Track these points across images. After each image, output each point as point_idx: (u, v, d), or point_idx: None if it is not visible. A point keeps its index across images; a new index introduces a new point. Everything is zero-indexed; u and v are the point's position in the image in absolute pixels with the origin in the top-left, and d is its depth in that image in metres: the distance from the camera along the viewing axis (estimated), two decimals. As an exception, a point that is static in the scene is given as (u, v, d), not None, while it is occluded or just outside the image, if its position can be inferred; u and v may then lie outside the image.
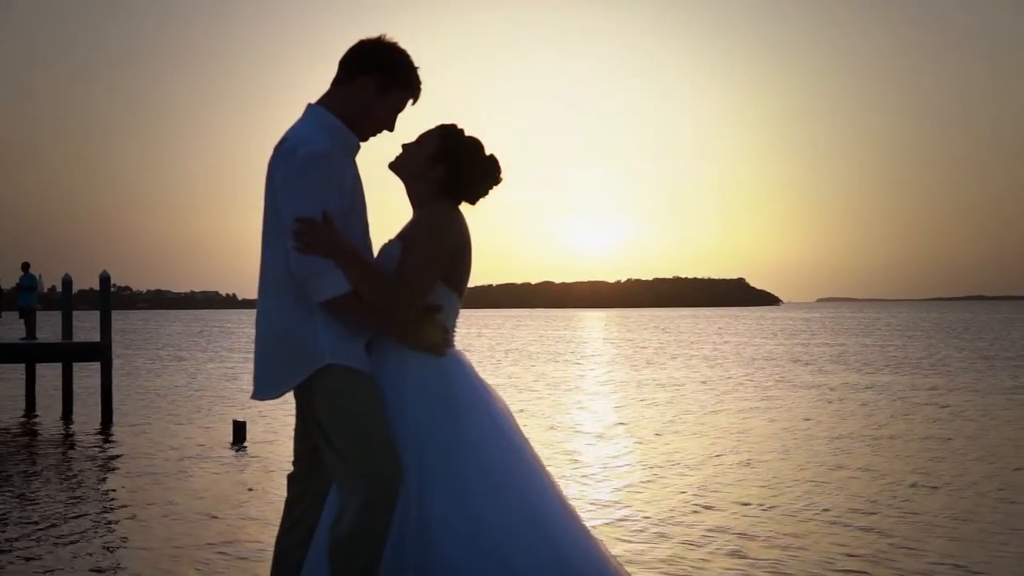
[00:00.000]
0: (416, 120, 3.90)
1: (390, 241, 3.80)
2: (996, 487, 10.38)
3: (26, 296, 24.62)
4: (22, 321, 24.48)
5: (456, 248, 3.75)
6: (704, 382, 25.08)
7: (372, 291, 3.57)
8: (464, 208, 3.86)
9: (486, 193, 3.90)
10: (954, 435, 14.54)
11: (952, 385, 23.46)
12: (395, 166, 3.86)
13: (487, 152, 3.88)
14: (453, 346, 3.80)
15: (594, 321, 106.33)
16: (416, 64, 3.80)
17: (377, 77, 3.73)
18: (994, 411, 17.68)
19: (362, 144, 3.80)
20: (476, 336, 60.40)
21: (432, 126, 3.86)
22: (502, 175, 3.91)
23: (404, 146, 3.86)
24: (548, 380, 26.41)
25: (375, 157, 3.91)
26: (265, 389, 3.71)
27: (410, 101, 3.83)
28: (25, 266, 25.03)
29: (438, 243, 3.68)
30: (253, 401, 4.14)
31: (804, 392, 22.04)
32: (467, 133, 3.86)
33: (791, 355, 36.90)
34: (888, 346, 42.48)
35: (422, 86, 3.82)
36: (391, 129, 3.83)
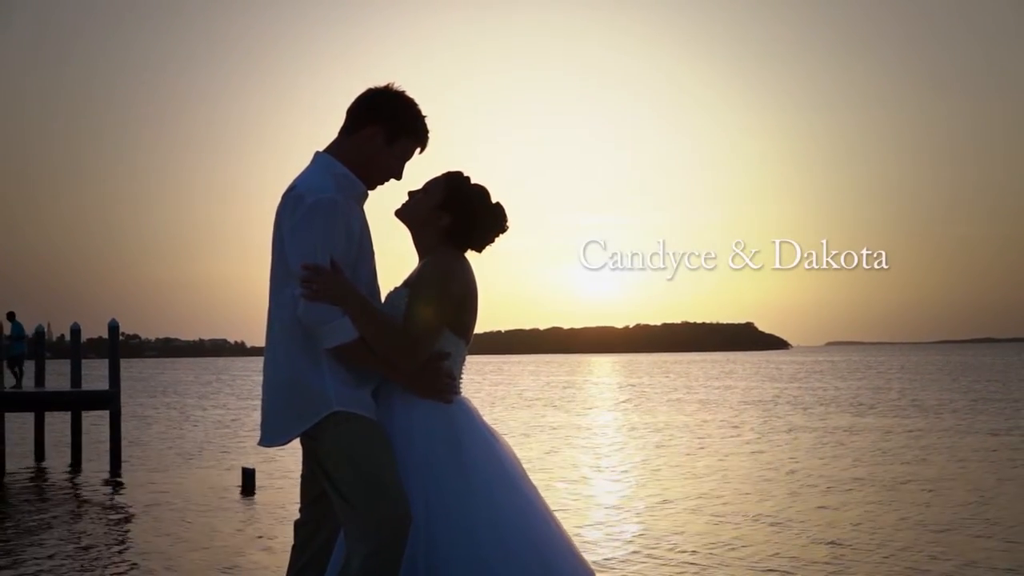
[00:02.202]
0: (420, 162, 3.93)
1: (396, 288, 3.81)
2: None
3: (18, 345, 24.63)
4: (12, 371, 24.55)
5: (462, 295, 3.75)
6: (700, 425, 25.04)
7: (379, 339, 3.57)
8: (470, 254, 3.88)
9: (492, 241, 3.92)
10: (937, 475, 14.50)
11: (940, 426, 23.47)
12: (401, 214, 3.89)
13: (493, 200, 3.90)
14: (460, 393, 3.81)
15: (602, 366, 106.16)
16: (424, 113, 3.83)
17: (385, 126, 3.75)
18: (974, 451, 17.64)
19: (370, 192, 3.83)
20: (483, 382, 60.30)
21: (437, 173, 3.89)
22: (508, 223, 3.93)
23: (410, 193, 3.89)
24: (552, 425, 26.36)
25: (382, 204, 3.94)
26: (272, 436, 3.70)
27: (417, 150, 3.87)
28: (11, 315, 24.92)
29: (445, 291, 3.69)
30: (261, 448, 4.15)
31: (794, 435, 22.08)
32: (473, 180, 3.89)
33: (791, 398, 36.87)
34: (890, 389, 42.41)
35: (430, 135, 3.86)
36: (398, 177, 3.85)
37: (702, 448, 19.75)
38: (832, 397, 36.97)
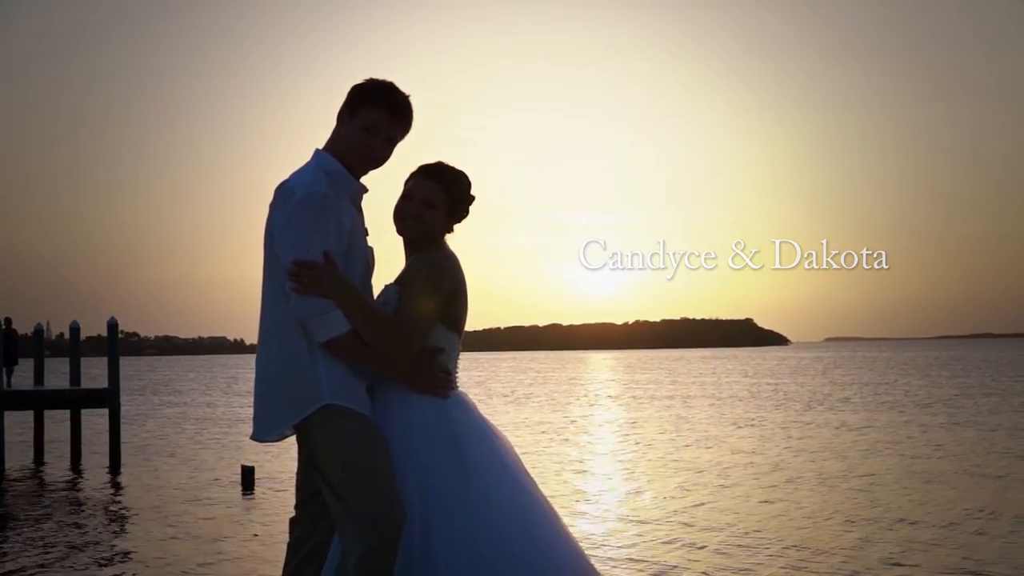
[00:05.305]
0: (420, 160, 3.95)
1: (387, 285, 3.84)
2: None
3: None
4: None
5: (452, 290, 3.78)
6: (672, 420, 25.12)
7: (372, 331, 3.59)
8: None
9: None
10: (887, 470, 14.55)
11: (902, 420, 23.57)
12: (417, 230, 3.85)
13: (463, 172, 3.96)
14: (456, 387, 3.84)
15: (600, 363, 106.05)
16: (403, 92, 3.78)
17: (349, 99, 3.78)
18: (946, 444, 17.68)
19: (364, 183, 3.82)
20: (480, 379, 60.28)
21: (425, 174, 3.90)
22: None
23: (402, 212, 3.87)
24: (526, 422, 26.38)
25: (377, 203, 3.97)
26: (264, 429, 3.71)
27: (397, 128, 3.78)
28: None
29: (436, 286, 3.72)
30: (261, 446, 4.19)
31: (758, 430, 22.23)
32: (451, 165, 3.93)
33: (771, 394, 36.96)
34: (878, 384, 42.47)
35: (407, 111, 3.79)
36: (379, 158, 3.80)
37: (662, 443, 19.92)
38: (811, 392, 36.99)
